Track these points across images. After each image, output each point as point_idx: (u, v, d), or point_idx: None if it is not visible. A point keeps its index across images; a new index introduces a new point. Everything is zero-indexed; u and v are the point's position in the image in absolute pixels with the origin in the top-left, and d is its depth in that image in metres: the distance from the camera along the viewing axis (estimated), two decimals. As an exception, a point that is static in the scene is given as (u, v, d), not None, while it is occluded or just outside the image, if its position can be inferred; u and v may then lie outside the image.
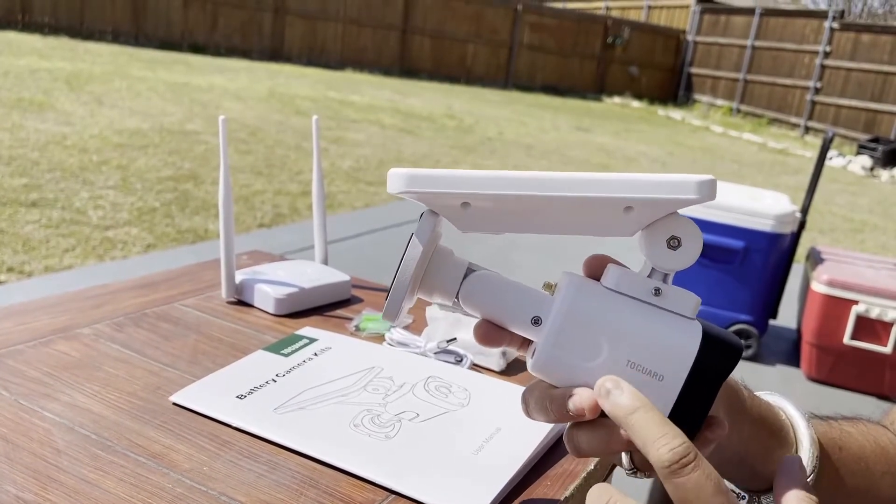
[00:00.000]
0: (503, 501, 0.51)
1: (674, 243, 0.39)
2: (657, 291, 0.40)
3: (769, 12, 13.08)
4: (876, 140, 9.71)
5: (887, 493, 0.49)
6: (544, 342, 0.40)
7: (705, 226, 2.65)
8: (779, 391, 0.49)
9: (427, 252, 0.40)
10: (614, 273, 0.40)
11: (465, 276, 0.42)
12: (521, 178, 0.38)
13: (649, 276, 0.40)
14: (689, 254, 0.39)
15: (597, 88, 15.27)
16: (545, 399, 0.41)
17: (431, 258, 0.42)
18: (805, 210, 2.74)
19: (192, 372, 0.65)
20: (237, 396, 0.60)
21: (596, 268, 0.42)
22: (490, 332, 0.42)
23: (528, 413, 0.43)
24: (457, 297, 0.42)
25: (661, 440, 0.36)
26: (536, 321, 0.41)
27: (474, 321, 0.43)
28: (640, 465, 0.44)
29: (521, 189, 0.38)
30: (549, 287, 0.43)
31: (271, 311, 0.80)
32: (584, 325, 0.39)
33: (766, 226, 2.61)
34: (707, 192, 0.37)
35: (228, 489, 0.49)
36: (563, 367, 0.40)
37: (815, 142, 11.31)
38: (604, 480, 0.47)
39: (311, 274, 0.85)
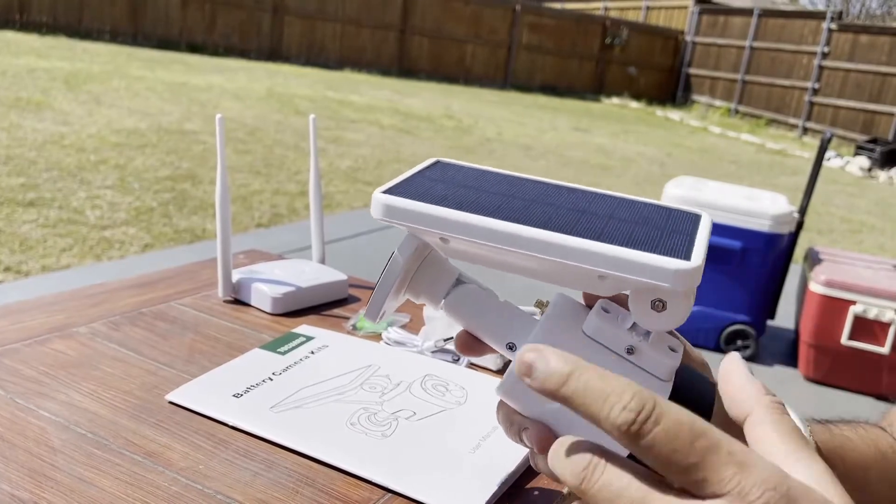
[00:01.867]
0: (500, 500, 0.51)
1: (658, 305, 0.37)
2: (631, 350, 0.38)
3: (767, 13, 13.10)
4: (874, 141, 9.72)
5: (886, 499, 0.48)
6: (510, 373, 0.40)
7: (703, 226, 2.65)
8: (776, 392, 0.49)
9: (411, 265, 0.41)
10: (594, 321, 0.39)
11: (454, 286, 0.42)
12: (494, 230, 0.37)
13: (631, 327, 0.39)
14: (675, 316, 0.37)
15: (595, 89, 15.29)
16: (506, 422, 0.41)
17: (423, 262, 0.42)
18: (803, 210, 2.75)
19: (188, 371, 0.65)
20: (234, 395, 0.60)
21: (591, 299, 0.41)
22: (469, 343, 0.43)
23: (499, 423, 0.44)
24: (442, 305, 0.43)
25: (608, 402, 0.29)
26: (511, 347, 0.41)
27: None
28: None
29: (492, 241, 0.37)
30: (541, 305, 0.42)
31: (268, 310, 0.80)
32: None
33: (763, 226, 2.61)
34: (684, 282, 0.35)
35: (224, 487, 0.49)
36: (525, 400, 0.40)
37: (814, 143, 11.32)
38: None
39: (308, 273, 0.85)
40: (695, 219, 0.41)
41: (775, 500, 0.27)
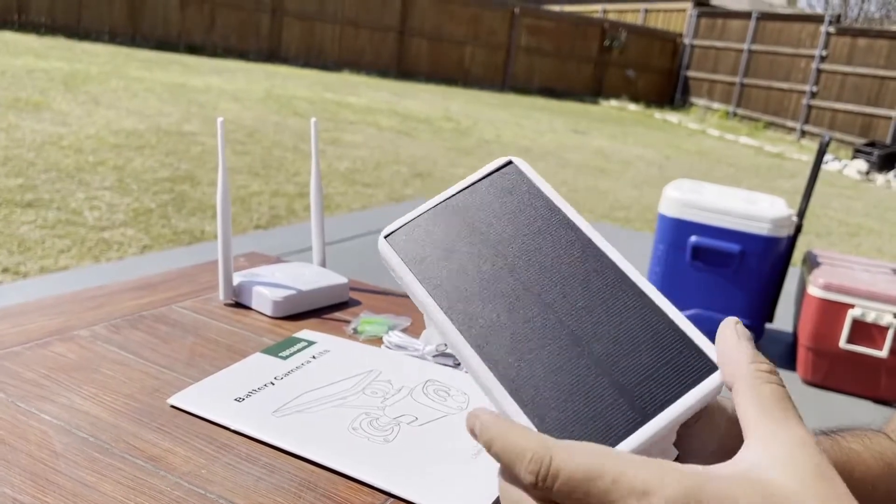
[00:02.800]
0: (502, 505, 0.51)
1: None
2: None
3: (766, 16, 13.13)
4: (872, 144, 9.74)
5: None
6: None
7: (702, 229, 2.65)
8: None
9: None
10: None
11: None
12: (436, 320, 0.38)
13: None
14: None
15: (594, 91, 15.30)
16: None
17: None
18: (801, 214, 2.75)
19: (189, 374, 0.64)
20: (235, 399, 0.60)
21: None
22: None
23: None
24: None
25: (516, 463, 0.32)
26: None
27: None
28: None
29: (435, 326, 0.38)
30: None
31: (269, 313, 0.79)
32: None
33: (762, 229, 2.61)
34: None
35: (226, 492, 0.49)
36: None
37: (812, 146, 11.34)
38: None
39: (309, 276, 0.85)
40: (690, 382, 0.35)
41: None
